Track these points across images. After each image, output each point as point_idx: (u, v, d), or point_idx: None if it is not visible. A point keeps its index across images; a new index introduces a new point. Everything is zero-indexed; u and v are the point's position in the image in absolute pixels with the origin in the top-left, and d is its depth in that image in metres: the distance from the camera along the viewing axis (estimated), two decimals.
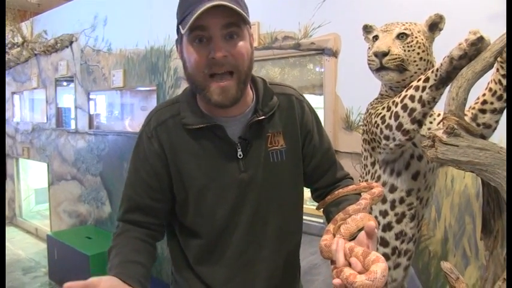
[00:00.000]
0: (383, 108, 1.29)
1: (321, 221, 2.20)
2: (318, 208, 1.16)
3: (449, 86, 1.05)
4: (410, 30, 1.30)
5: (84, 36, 4.08)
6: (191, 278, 1.08)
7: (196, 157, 1.00)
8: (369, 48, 1.38)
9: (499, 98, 1.19)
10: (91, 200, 4.13)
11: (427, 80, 1.13)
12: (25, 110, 5.38)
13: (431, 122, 1.36)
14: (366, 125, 1.39)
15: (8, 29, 5.02)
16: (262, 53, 2.46)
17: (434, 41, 1.34)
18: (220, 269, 1.05)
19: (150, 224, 1.04)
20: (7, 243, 4.73)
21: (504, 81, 1.16)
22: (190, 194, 1.02)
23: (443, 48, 1.12)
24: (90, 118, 4.10)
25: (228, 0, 0.88)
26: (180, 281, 1.11)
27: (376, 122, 1.29)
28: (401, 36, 1.30)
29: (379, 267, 0.71)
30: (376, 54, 1.30)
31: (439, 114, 1.36)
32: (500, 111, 1.21)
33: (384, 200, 1.36)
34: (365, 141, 1.41)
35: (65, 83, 4.53)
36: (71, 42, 4.25)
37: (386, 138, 1.26)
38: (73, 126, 4.33)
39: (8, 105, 5.65)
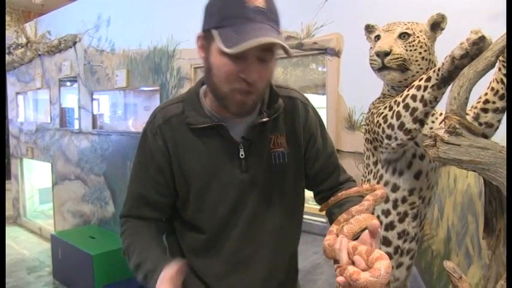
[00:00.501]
0: (385, 107, 1.29)
1: (324, 220, 2.20)
2: (320, 210, 1.16)
3: (451, 86, 1.05)
4: (412, 29, 1.30)
5: (88, 37, 4.09)
6: (187, 273, 1.08)
7: (199, 155, 1.02)
8: (371, 48, 1.38)
9: (501, 97, 1.19)
10: (95, 199, 4.14)
11: (428, 79, 1.13)
12: (29, 110, 5.41)
13: (433, 122, 1.36)
14: (368, 125, 1.40)
15: (12, 29, 5.04)
16: None
17: (436, 40, 1.34)
18: (216, 265, 1.06)
19: (156, 219, 1.08)
20: (12, 243, 4.76)
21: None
22: (192, 190, 1.03)
23: (446, 47, 1.12)
24: (94, 118, 4.12)
25: (277, 35, 0.89)
26: None
27: (378, 121, 1.30)
28: (403, 35, 1.30)
29: (383, 264, 0.71)
30: (378, 54, 1.30)
31: (441, 114, 1.36)
32: (503, 111, 1.20)
33: (386, 199, 1.36)
34: (367, 140, 1.41)
35: (68, 83, 4.55)
36: (75, 43, 4.27)
37: (388, 137, 1.26)
38: (77, 126, 4.34)
39: (12, 106, 5.68)
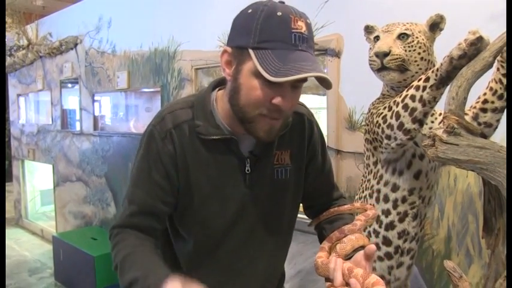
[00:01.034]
0: (384, 108, 1.30)
1: None
2: (310, 225, 1.18)
3: (449, 86, 1.06)
4: (411, 30, 1.30)
5: (89, 38, 4.11)
6: None
7: (206, 166, 0.99)
8: (370, 48, 1.39)
9: (500, 97, 1.20)
10: (96, 201, 4.15)
11: (427, 79, 1.14)
12: (30, 111, 5.41)
13: (432, 122, 1.37)
14: (368, 125, 1.40)
15: (13, 31, 5.06)
16: None
17: (435, 40, 1.35)
18: (211, 276, 1.03)
19: (156, 229, 1.01)
20: (13, 245, 4.77)
21: (505, 80, 1.16)
22: (195, 201, 1.01)
23: (444, 48, 1.13)
24: (95, 119, 4.13)
25: (318, 65, 0.86)
26: None
27: (377, 121, 1.30)
28: (402, 36, 1.30)
29: None
30: (377, 55, 1.31)
31: (440, 114, 1.37)
32: (501, 110, 1.21)
33: (386, 199, 1.36)
34: (367, 140, 1.42)
35: (69, 85, 4.56)
36: (76, 44, 4.28)
37: (388, 137, 1.26)
38: (78, 128, 4.35)
39: (13, 107, 5.69)
